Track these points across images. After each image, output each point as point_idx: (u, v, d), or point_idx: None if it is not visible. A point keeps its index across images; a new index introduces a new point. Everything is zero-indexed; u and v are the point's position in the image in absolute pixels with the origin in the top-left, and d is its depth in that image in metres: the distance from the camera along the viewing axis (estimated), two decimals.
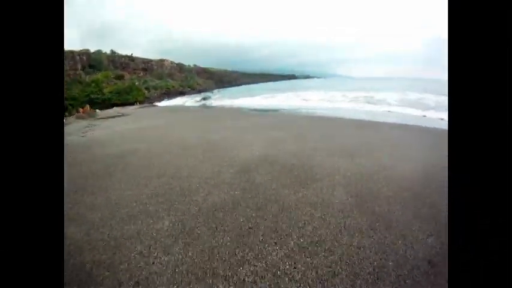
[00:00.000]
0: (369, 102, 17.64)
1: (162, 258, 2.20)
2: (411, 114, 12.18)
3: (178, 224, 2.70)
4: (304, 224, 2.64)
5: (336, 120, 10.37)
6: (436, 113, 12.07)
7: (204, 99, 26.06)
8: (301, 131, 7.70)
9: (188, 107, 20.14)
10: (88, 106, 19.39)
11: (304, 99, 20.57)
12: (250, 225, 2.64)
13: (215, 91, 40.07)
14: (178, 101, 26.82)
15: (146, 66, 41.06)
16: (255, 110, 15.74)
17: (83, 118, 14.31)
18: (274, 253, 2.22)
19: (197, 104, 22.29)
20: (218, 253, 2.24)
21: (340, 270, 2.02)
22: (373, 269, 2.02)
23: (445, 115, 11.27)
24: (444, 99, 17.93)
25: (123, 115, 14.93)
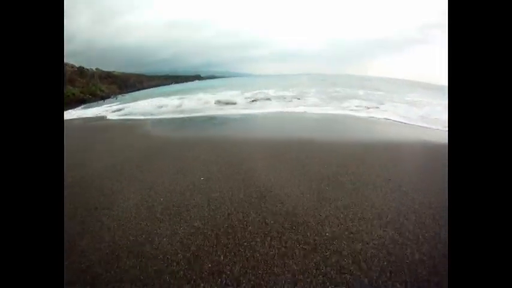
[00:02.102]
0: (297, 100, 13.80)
1: None
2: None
3: None
4: None
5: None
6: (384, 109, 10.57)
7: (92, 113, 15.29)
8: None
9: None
10: None
11: (225, 103, 14.82)
12: None
13: (119, 96, 34.23)
14: (76, 113, 15.89)
15: None
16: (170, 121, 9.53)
17: None
18: None
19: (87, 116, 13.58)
20: None
21: None
22: None
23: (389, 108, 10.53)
24: (369, 92, 17.28)
25: None
